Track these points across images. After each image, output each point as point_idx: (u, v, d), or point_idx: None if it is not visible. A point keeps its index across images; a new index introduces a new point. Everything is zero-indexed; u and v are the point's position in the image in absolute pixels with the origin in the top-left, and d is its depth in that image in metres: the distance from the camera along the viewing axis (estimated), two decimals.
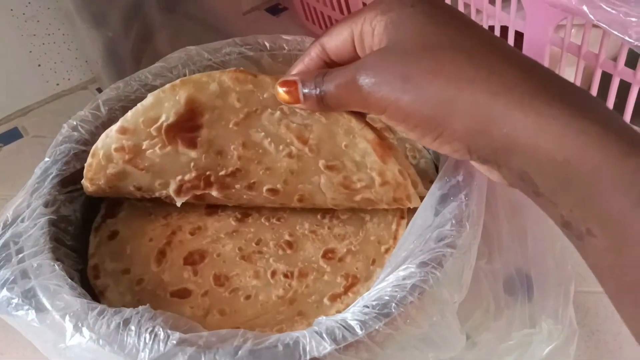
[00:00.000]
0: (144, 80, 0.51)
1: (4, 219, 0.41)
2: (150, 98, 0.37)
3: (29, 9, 0.69)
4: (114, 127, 0.39)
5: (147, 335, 0.33)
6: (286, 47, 0.55)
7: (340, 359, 0.32)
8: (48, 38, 0.71)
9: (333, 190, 0.40)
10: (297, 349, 0.32)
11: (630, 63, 0.45)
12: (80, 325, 0.34)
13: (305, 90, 0.34)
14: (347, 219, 0.44)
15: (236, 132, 0.38)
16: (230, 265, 0.41)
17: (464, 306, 0.39)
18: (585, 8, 0.42)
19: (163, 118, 0.38)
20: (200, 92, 0.37)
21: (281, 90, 0.35)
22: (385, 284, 0.36)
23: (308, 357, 0.32)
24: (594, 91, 0.49)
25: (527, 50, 0.52)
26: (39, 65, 0.73)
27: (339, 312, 0.37)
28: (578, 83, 0.50)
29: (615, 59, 0.46)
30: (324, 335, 0.33)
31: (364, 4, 0.67)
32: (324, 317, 0.34)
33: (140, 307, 0.34)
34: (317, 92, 0.34)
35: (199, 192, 0.41)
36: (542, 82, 0.28)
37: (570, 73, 0.51)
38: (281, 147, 0.38)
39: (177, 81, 0.37)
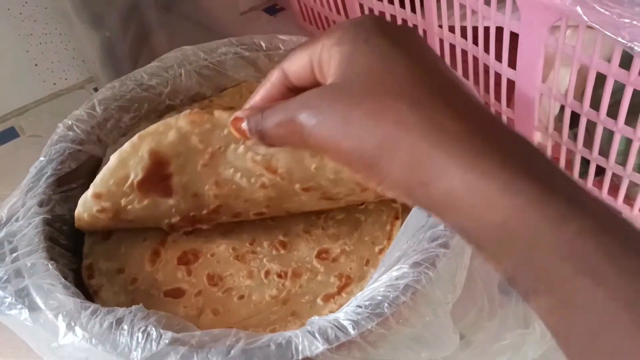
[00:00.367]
0: (139, 79, 0.52)
1: None
2: (114, 159, 0.37)
3: (26, 8, 0.69)
4: (89, 193, 0.39)
5: (140, 335, 0.33)
6: (282, 48, 0.55)
7: (333, 358, 0.33)
8: (45, 38, 0.71)
9: (317, 203, 0.40)
10: (290, 348, 0.32)
11: (625, 64, 0.45)
12: (73, 324, 0.34)
13: (251, 126, 0.32)
14: (341, 219, 0.44)
15: (206, 173, 0.37)
16: (224, 265, 0.41)
17: (459, 305, 0.39)
18: (578, 9, 0.42)
19: (132, 176, 0.37)
20: (160, 143, 0.36)
21: (233, 129, 0.33)
22: (378, 284, 0.36)
23: (300, 356, 0.32)
24: (588, 92, 0.49)
25: (522, 51, 0.52)
26: (36, 65, 0.73)
27: (332, 312, 0.37)
28: (572, 84, 0.50)
29: (609, 60, 0.46)
30: (317, 335, 0.33)
31: (361, 5, 0.67)
32: (317, 317, 0.35)
33: (133, 307, 0.34)
34: (258, 128, 0.32)
35: (189, 229, 0.42)
36: (486, 137, 0.26)
37: (564, 74, 0.51)
38: (253, 179, 0.37)
39: (135, 137, 0.36)
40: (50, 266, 0.38)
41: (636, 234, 0.24)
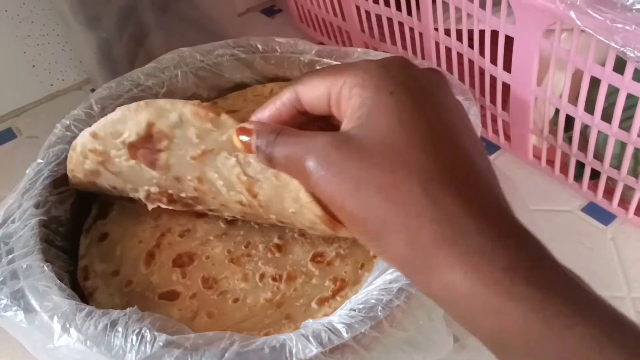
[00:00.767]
0: (136, 80, 0.52)
1: None
2: (117, 112, 0.37)
3: (23, 9, 0.69)
4: (88, 130, 0.39)
5: (134, 337, 0.33)
6: (279, 50, 0.55)
7: None
8: (42, 39, 0.72)
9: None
10: (284, 351, 0.33)
11: (619, 68, 0.45)
12: (68, 326, 0.34)
13: (259, 144, 0.32)
14: None
15: (193, 166, 0.37)
16: (219, 268, 0.42)
17: None
18: (572, 14, 0.42)
19: (125, 135, 0.37)
20: (160, 119, 0.36)
21: (236, 138, 0.33)
22: (372, 288, 0.36)
23: (294, 359, 0.32)
24: (583, 95, 0.50)
25: (517, 54, 0.53)
26: (34, 66, 0.73)
27: (326, 315, 0.37)
28: (567, 88, 0.51)
29: (603, 64, 0.46)
30: (310, 338, 0.33)
31: (357, 8, 0.67)
32: (311, 320, 0.35)
33: (128, 309, 0.34)
34: (268, 150, 0.32)
35: (163, 205, 0.41)
36: (494, 239, 0.25)
37: (559, 77, 0.51)
38: (232, 193, 0.37)
39: (143, 102, 0.37)
40: (45, 268, 0.38)
41: None
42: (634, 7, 0.39)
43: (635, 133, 0.48)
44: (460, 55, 0.60)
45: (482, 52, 0.56)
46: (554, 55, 0.50)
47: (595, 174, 0.56)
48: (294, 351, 0.32)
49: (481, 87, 0.60)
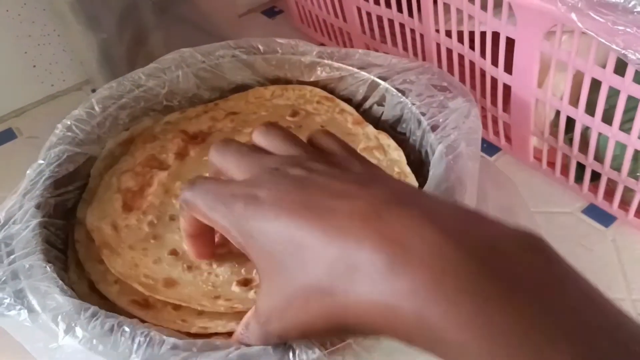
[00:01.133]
0: (137, 80, 0.52)
1: None
2: None
3: (24, 10, 0.69)
4: None
5: (142, 339, 0.33)
6: (280, 51, 0.55)
7: None
8: (43, 39, 0.72)
9: None
10: (287, 353, 0.33)
11: (620, 70, 0.46)
12: (73, 325, 0.34)
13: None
14: None
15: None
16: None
17: None
18: (573, 16, 0.42)
19: None
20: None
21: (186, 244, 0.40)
22: None
23: None
24: (583, 97, 0.50)
25: (518, 56, 0.53)
26: (34, 67, 0.73)
27: None
28: (568, 90, 0.51)
29: (604, 66, 0.46)
30: (312, 340, 0.33)
31: (358, 9, 0.67)
32: None
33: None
34: None
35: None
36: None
37: (560, 79, 0.51)
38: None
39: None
40: (48, 268, 0.38)
41: None
42: (635, 10, 0.40)
43: (636, 135, 0.48)
44: (461, 57, 0.60)
45: (483, 54, 0.56)
46: (554, 57, 0.50)
47: (595, 176, 0.56)
48: (297, 352, 0.33)
49: (482, 89, 0.60)
